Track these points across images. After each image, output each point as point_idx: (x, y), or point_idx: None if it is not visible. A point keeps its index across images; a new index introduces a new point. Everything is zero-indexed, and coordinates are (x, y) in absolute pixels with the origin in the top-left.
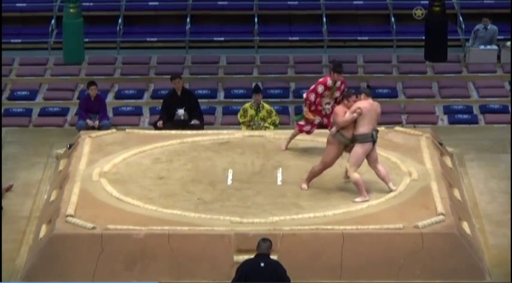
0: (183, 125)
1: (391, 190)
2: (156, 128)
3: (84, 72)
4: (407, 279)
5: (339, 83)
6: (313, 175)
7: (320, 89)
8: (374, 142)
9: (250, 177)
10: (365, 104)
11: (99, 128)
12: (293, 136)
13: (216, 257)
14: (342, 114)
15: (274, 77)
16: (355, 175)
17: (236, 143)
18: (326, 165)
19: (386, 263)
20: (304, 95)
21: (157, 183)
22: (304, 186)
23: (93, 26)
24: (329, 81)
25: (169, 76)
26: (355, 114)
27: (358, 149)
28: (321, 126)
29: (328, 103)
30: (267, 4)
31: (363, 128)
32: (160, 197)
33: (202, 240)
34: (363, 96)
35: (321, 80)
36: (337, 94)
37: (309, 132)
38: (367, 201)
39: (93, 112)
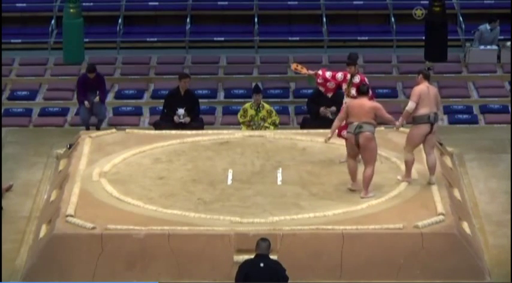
0: (182, 125)
1: (430, 183)
2: (157, 127)
3: (84, 72)
4: (407, 279)
5: (356, 79)
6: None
7: (339, 75)
8: (431, 124)
9: (250, 177)
10: (422, 87)
11: (99, 121)
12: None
13: (216, 257)
14: None
15: (274, 77)
16: (407, 156)
17: (236, 143)
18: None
19: (386, 263)
20: (320, 72)
21: (157, 183)
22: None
23: (93, 26)
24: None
25: (168, 76)
26: (414, 98)
27: (413, 130)
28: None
29: None
30: (267, 4)
31: (420, 110)
32: (161, 197)
33: (202, 240)
34: (420, 77)
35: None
36: (353, 91)
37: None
38: (410, 182)
39: (92, 90)
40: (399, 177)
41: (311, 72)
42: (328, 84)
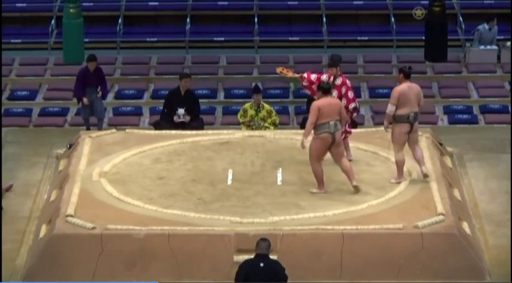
0: (182, 125)
1: (423, 174)
2: (157, 127)
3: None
4: (407, 279)
5: (338, 81)
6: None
7: (324, 77)
8: (411, 123)
9: (250, 177)
10: (402, 86)
11: (99, 120)
12: None
13: (216, 257)
14: None
15: (274, 77)
16: (397, 156)
17: (236, 143)
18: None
19: (387, 263)
20: (305, 74)
21: (157, 183)
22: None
23: (93, 26)
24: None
25: (168, 76)
26: (393, 100)
27: (395, 129)
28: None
29: None
30: (267, 4)
31: (400, 110)
32: (160, 197)
33: (202, 240)
34: (400, 76)
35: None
36: (334, 93)
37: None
38: (400, 182)
39: (91, 85)
40: (392, 180)
41: (296, 75)
42: (313, 86)
